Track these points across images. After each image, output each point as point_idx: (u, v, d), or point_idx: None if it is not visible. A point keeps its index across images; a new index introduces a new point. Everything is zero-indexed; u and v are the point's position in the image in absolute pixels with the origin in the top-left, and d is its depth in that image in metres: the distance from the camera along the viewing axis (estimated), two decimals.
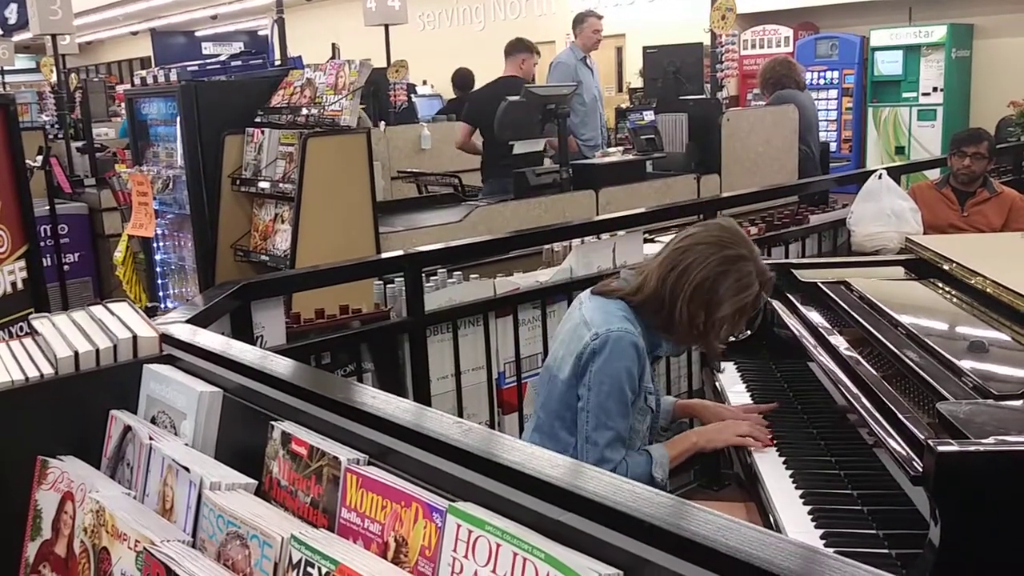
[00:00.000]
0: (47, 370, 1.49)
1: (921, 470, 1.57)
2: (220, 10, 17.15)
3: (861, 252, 4.04)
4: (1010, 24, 9.45)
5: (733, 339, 3.03)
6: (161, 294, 4.77)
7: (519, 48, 5.90)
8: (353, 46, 8.02)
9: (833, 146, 9.46)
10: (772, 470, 2.10)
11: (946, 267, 2.69)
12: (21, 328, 1.70)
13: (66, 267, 5.75)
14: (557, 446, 2.15)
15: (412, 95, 9.71)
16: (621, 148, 5.86)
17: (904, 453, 1.65)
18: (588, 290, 2.29)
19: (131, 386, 1.51)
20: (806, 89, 6.08)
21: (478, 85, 7.79)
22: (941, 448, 1.51)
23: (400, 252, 3.12)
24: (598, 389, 2.08)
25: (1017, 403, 1.73)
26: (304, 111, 4.01)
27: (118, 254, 4.75)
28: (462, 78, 8.25)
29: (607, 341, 2.08)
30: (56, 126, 7.77)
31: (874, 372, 2.04)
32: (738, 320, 2.15)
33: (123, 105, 5.73)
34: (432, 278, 3.02)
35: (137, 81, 4.71)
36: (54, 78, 7.32)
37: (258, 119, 4.19)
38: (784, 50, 10.47)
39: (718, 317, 2.10)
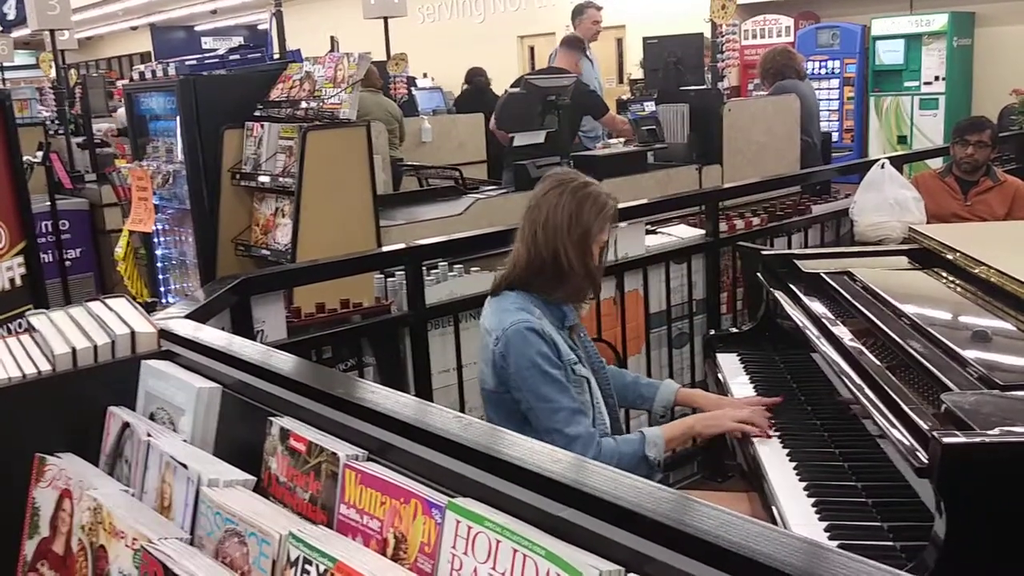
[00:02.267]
0: (44, 367, 1.48)
1: (926, 462, 1.55)
2: (220, 4, 17.12)
3: (864, 242, 4.02)
4: (1012, 12, 9.40)
5: (736, 330, 3.03)
6: (162, 289, 4.77)
7: (577, 47, 5.92)
8: (352, 39, 7.98)
9: (835, 136, 9.42)
10: (775, 462, 2.09)
11: (950, 256, 2.67)
12: (20, 325, 1.69)
13: (67, 263, 5.74)
14: None
15: (412, 88, 9.68)
16: (622, 139, 5.84)
17: (909, 444, 1.64)
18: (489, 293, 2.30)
19: (129, 382, 1.50)
20: (807, 79, 6.05)
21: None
22: (947, 440, 1.50)
23: (401, 245, 3.11)
24: (526, 384, 2.09)
25: (1023, 393, 1.72)
26: (303, 104, 3.99)
27: (119, 250, 4.75)
28: (474, 76, 8.30)
29: (507, 340, 2.10)
30: (56, 122, 7.75)
31: (878, 363, 2.03)
32: (604, 234, 2.18)
33: (121, 100, 5.71)
34: (433, 271, 3.01)
35: (136, 76, 4.70)
36: (53, 74, 7.30)
37: (257, 113, 4.18)
38: (785, 40, 10.42)
39: (594, 241, 2.15)
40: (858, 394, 1.92)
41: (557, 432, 2.09)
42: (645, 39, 6.60)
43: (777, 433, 2.22)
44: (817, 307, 2.50)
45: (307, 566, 0.98)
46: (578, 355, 2.22)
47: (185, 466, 1.20)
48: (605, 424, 2.24)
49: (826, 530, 1.78)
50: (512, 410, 2.16)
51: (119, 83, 10.88)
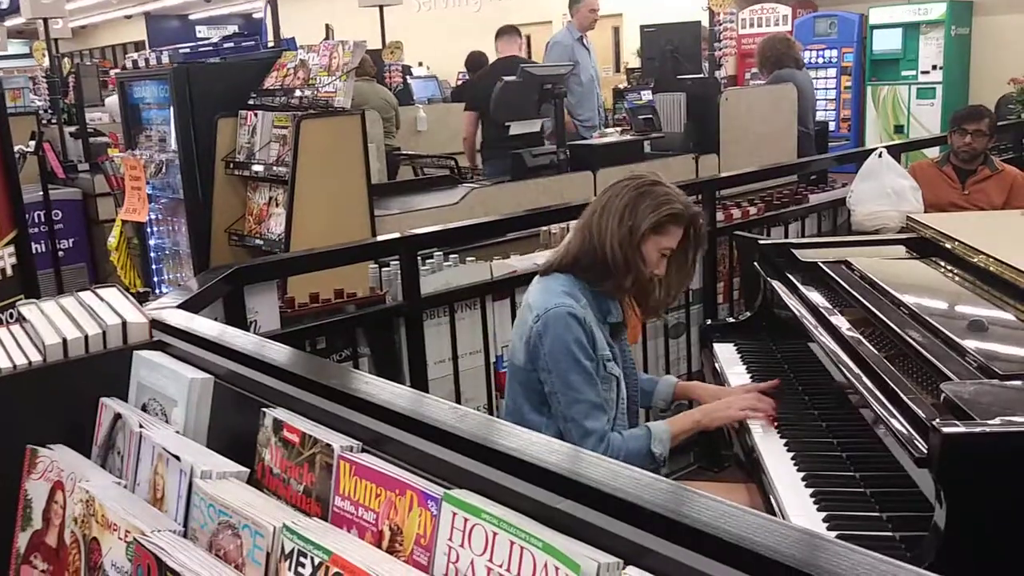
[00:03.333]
0: (35, 358, 1.47)
1: (926, 451, 1.54)
2: None
3: (861, 231, 4.01)
4: (1010, 0, 9.38)
5: (732, 320, 3.02)
6: (156, 279, 4.75)
7: (510, 31, 5.88)
8: (347, 28, 7.95)
9: (832, 125, 9.40)
10: (773, 452, 2.09)
11: (948, 246, 2.66)
12: (11, 315, 1.67)
13: (61, 253, 5.73)
14: (527, 428, 2.14)
15: (408, 77, 9.65)
16: (619, 128, 5.83)
17: (908, 434, 1.63)
18: (538, 272, 2.30)
19: (121, 373, 1.49)
20: (804, 68, 6.03)
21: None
22: (946, 429, 1.49)
23: (395, 235, 3.09)
24: (557, 368, 2.09)
25: (1022, 383, 1.71)
26: (298, 93, 3.96)
27: (112, 239, 4.72)
28: (475, 60, 8.09)
29: (547, 321, 2.10)
30: (49, 111, 7.71)
31: (876, 352, 2.02)
32: (664, 238, 2.15)
33: (115, 89, 5.68)
34: (428, 261, 3.00)
35: (129, 64, 4.66)
36: (47, 63, 7.26)
37: (251, 101, 4.15)
38: (782, 29, 10.40)
39: (645, 238, 2.12)
40: (856, 384, 1.91)
41: (574, 422, 2.09)
42: (642, 27, 6.58)
43: (775, 423, 2.21)
44: (815, 296, 2.49)
45: (302, 559, 0.97)
46: (613, 352, 2.22)
47: (178, 458, 1.19)
48: (625, 424, 2.24)
49: (824, 520, 1.77)
50: (535, 390, 2.16)
51: (113, 72, 10.82)
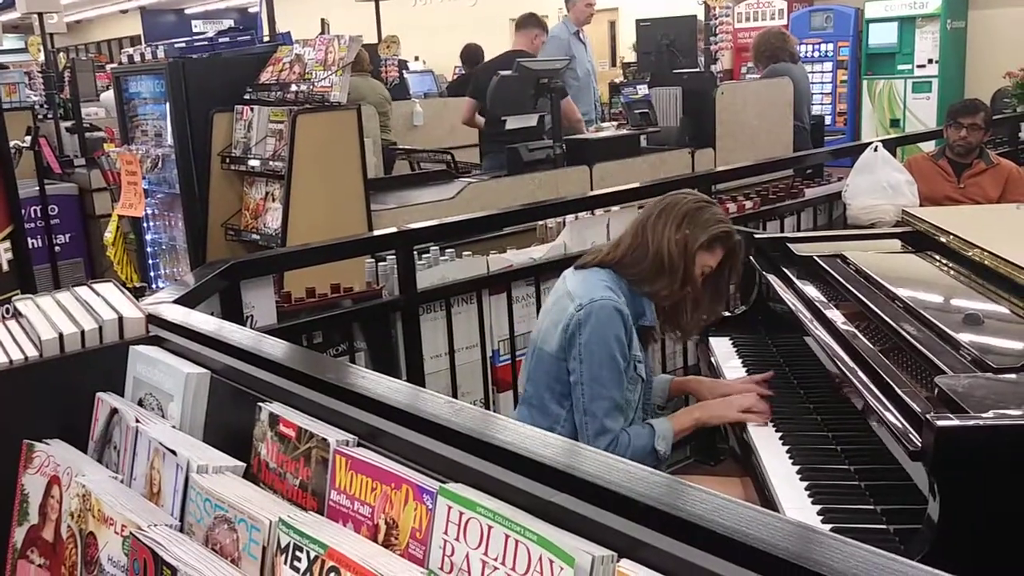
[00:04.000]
0: (32, 353, 1.47)
1: (920, 445, 1.55)
2: None
3: (857, 225, 4.02)
4: None
5: (728, 314, 3.02)
6: (152, 274, 4.74)
7: (532, 23, 5.83)
8: (343, 22, 7.93)
9: (828, 119, 9.41)
10: (768, 445, 2.09)
11: (943, 239, 2.67)
12: (7, 310, 1.67)
13: (57, 248, 5.70)
14: (547, 419, 2.15)
15: (404, 71, 9.63)
16: (615, 123, 5.82)
17: (902, 427, 1.64)
18: (573, 266, 2.30)
19: (117, 368, 1.49)
20: (800, 62, 6.04)
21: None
22: (940, 422, 1.49)
23: (392, 230, 3.09)
24: (589, 360, 2.09)
25: (1016, 376, 1.72)
26: (293, 87, 3.96)
27: (108, 234, 4.71)
28: (471, 53, 8.05)
29: (591, 311, 2.09)
30: (45, 106, 7.68)
31: (871, 346, 2.02)
32: (710, 255, 2.19)
33: (111, 84, 5.67)
34: (424, 256, 3.00)
35: (124, 59, 4.65)
36: (42, 57, 7.22)
37: (247, 96, 4.14)
38: (778, 22, 10.39)
39: (697, 248, 2.17)
40: (851, 377, 1.91)
41: (593, 417, 2.10)
42: (638, 22, 6.59)
43: (770, 417, 2.22)
44: (810, 290, 2.49)
45: (297, 553, 0.97)
46: (646, 358, 2.24)
47: (174, 452, 1.19)
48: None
49: (819, 514, 1.77)
50: (562, 380, 2.15)
51: (108, 67, 10.80)
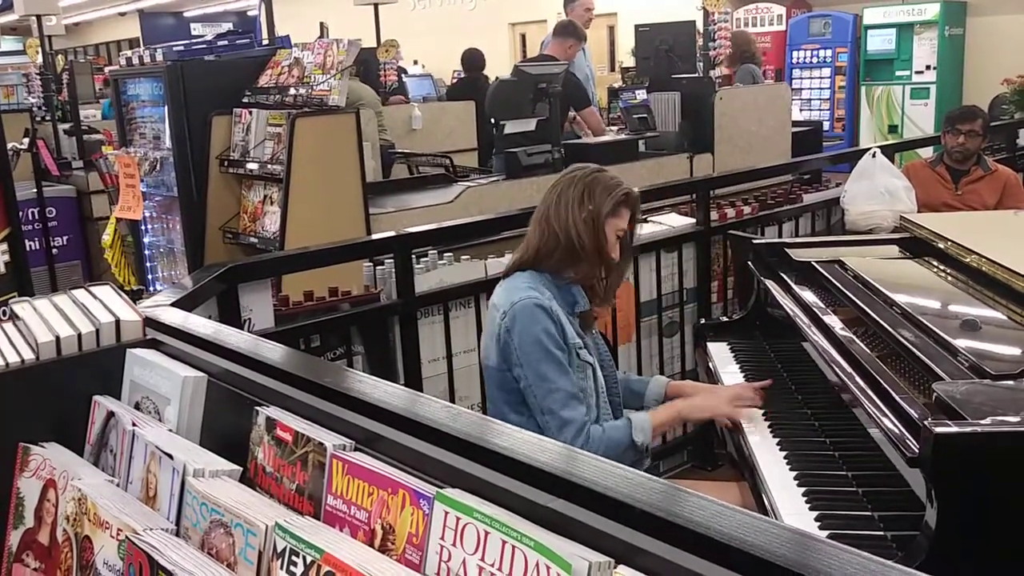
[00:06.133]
0: (28, 356, 1.46)
1: (917, 451, 1.55)
2: None
3: (855, 231, 4.02)
4: (1004, 1, 9.40)
5: (726, 319, 3.02)
6: (150, 277, 4.73)
7: (568, 32, 5.83)
8: (342, 26, 7.93)
9: (826, 125, 9.43)
10: (766, 451, 2.09)
11: (941, 245, 2.67)
12: (4, 313, 1.66)
13: (54, 251, 5.70)
14: None
15: (403, 75, 9.63)
16: (614, 128, 5.82)
17: (900, 434, 1.64)
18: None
19: (114, 371, 1.48)
20: (760, 63, 6.91)
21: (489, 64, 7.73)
22: (938, 429, 1.49)
23: (390, 233, 3.09)
24: (528, 361, 2.10)
25: (1014, 382, 1.72)
26: (292, 91, 3.96)
27: (106, 237, 4.71)
28: (472, 58, 8.05)
29: (514, 315, 2.12)
30: (43, 108, 7.68)
31: (869, 352, 2.03)
32: (619, 219, 2.22)
33: (109, 86, 5.66)
34: (423, 259, 2.99)
35: (123, 61, 4.65)
36: (40, 60, 7.22)
37: (246, 99, 4.14)
38: (777, 28, 10.42)
39: (606, 222, 2.19)
40: (849, 383, 1.91)
41: (552, 413, 2.10)
42: (637, 27, 6.57)
43: (767, 422, 2.22)
44: (808, 296, 2.49)
45: (294, 557, 0.97)
46: (585, 342, 2.22)
47: (171, 456, 1.19)
48: (609, 416, 2.24)
49: (816, 520, 1.77)
50: (513, 389, 2.17)
51: (107, 69, 10.79)
